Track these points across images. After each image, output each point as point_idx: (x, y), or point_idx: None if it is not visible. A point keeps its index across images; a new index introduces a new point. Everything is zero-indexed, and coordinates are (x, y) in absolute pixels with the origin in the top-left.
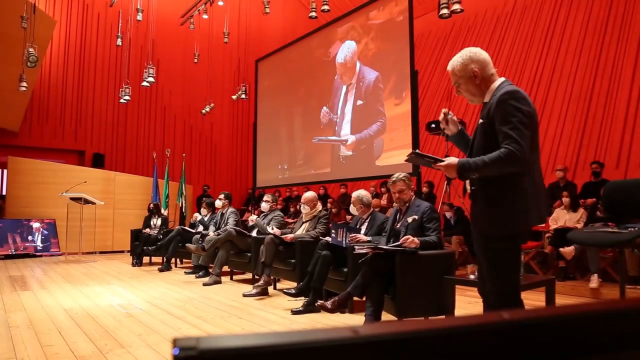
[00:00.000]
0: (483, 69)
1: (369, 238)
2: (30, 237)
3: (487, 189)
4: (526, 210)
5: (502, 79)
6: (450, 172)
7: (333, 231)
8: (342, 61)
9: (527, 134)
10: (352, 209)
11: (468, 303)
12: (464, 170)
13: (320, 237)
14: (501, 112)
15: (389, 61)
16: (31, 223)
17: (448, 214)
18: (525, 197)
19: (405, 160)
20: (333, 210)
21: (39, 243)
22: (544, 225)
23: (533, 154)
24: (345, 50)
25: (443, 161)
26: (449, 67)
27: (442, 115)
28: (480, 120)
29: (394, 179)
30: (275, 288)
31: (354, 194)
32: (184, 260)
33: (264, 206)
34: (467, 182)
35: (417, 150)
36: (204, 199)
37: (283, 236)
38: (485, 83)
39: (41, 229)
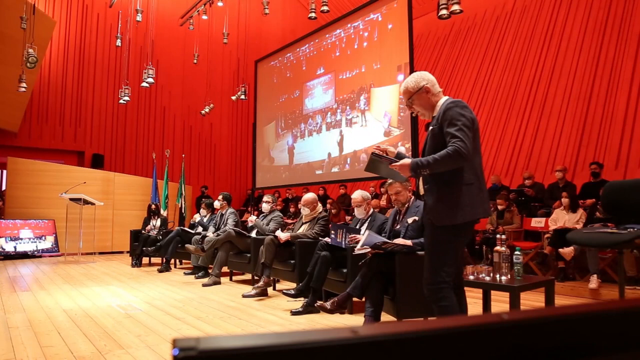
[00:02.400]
0: (433, 86)
1: None
2: (29, 238)
3: (438, 185)
4: (472, 203)
5: (447, 97)
6: (404, 171)
7: (332, 232)
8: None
9: (470, 135)
10: (358, 210)
11: (468, 304)
12: (417, 167)
13: (320, 238)
14: (448, 117)
15: (387, 60)
16: (30, 223)
17: None
18: (471, 192)
19: (369, 163)
20: (332, 211)
21: (38, 244)
22: (542, 226)
23: (477, 156)
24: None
25: (398, 161)
26: (402, 88)
27: (378, 152)
28: (431, 127)
29: (390, 181)
30: (274, 289)
31: (358, 195)
32: (184, 261)
33: (265, 207)
34: (421, 182)
35: (375, 152)
36: (203, 199)
37: (277, 234)
38: (435, 98)
39: (40, 230)
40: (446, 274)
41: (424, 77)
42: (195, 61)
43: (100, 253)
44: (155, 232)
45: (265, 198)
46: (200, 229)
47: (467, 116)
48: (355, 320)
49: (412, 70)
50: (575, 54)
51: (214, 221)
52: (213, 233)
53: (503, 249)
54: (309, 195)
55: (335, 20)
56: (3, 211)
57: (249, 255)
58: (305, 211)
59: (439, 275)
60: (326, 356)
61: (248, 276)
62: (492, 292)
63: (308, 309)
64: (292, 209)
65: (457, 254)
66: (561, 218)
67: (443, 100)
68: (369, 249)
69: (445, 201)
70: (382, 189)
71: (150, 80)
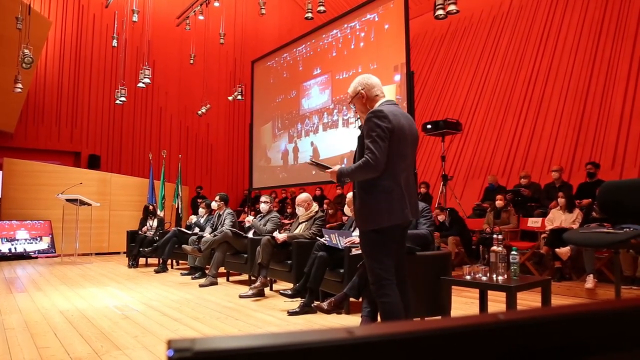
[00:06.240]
0: (369, 90)
1: None
2: (25, 239)
3: (359, 192)
4: (390, 209)
5: (384, 99)
6: (333, 178)
7: (326, 236)
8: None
9: (383, 145)
10: (347, 209)
11: (464, 304)
12: (341, 175)
13: (317, 238)
14: (366, 128)
15: (384, 61)
16: (27, 224)
17: (440, 217)
18: (389, 198)
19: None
20: (329, 211)
21: (34, 245)
22: (539, 226)
23: (401, 162)
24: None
25: (330, 168)
26: (348, 90)
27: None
28: (360, 134)
29: None
30: (271, 289)
31: (350, 195)
32: (180, 261)
33: (263, 207)
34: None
35: (312, 160)
36: (198, 200)
37: (274, 235)
38: (370, 103)
39: (37, 231)
40: (384, 272)
41: (361, 82)
42: (191, 61)
43: (97, 254)
44: (152, 233)
45: (263, 198)
46: (197, 230)
47: (382, 127)
48: (352, 321)
49: (408, 71)
50: (572, 54)
51: (211, 222)
52: (210, 234)
53: (500, 249)
54: (303, 195)
55: (332, 20)
56: None
57: (246, 255)
58: (300, 211)
59: (377, 275)
60: (323, 357)
61: (245, 277)
62: (489, 292)
63: (305, 310)
64: (289, 210)
65: (390, 252)
66: (557, 218)
67: (378, 104)
68: None
69: (365, 207)
70: None
71: (147, 80)
